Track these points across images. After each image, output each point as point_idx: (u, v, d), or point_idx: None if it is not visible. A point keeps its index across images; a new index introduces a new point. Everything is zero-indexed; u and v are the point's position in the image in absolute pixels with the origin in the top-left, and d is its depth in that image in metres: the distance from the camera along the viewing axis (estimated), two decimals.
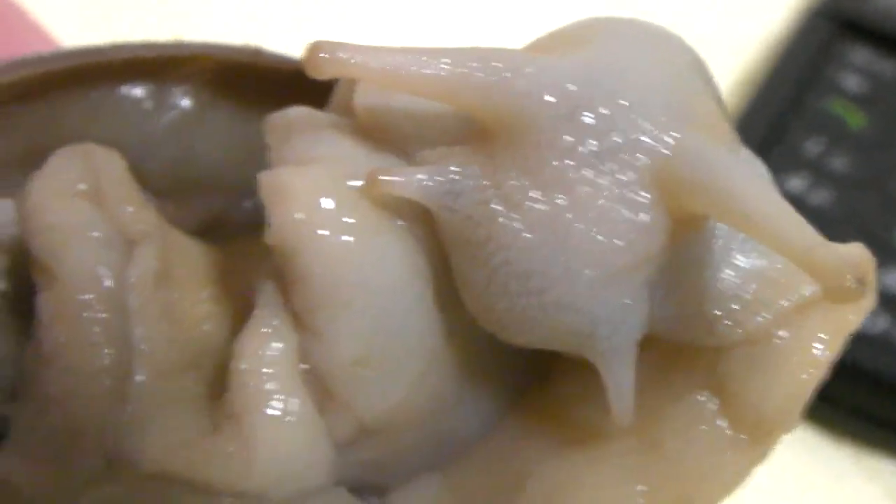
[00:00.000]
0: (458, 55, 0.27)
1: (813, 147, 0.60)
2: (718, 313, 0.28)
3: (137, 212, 0.28)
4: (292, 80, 0.32)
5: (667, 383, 0.29)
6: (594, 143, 0.26)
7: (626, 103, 0.26)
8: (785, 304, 0.28)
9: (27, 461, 0.26)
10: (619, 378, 0.27)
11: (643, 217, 0.26)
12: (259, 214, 0.30)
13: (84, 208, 0.27)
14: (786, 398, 0.27)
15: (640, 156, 0.26)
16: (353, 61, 0.26)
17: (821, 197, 0.55)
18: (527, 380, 0.31)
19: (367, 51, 0.26)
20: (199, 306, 0.29)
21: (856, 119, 0.62)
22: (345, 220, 0.26)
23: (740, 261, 0.28)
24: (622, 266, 0.26)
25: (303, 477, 0.27)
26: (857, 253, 0.24)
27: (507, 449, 0.31)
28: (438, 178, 0.27)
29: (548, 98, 0.26)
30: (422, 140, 0.28)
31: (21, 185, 0.31)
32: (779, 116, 0.61)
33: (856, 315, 0.28)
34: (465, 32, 0.67)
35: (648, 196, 0.26)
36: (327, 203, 0.26)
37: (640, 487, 0.28)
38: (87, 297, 0.26)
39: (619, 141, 0.26)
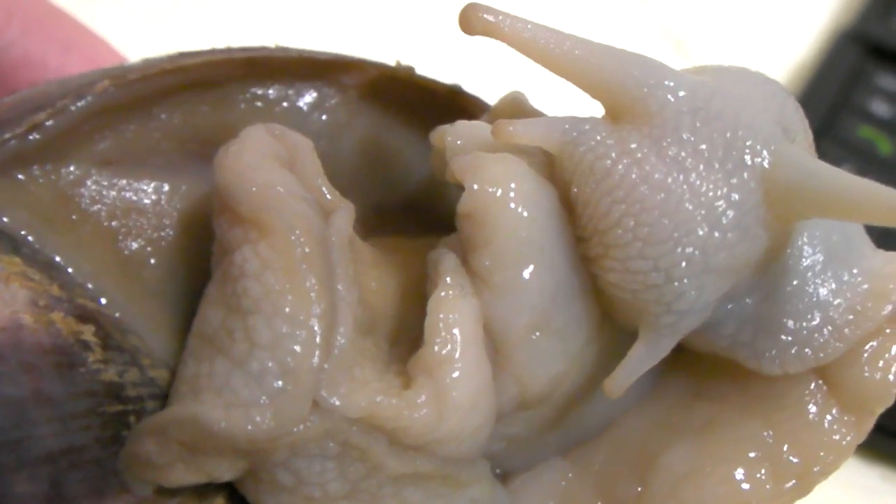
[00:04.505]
0: (602, 46, 0.30)
1: None
2: (804, 349, 0.31)
3: (329, 186, 0.30)
4: (439, 101, 0.36)
5: None
6: (707, 146, 0.29)
7: (741, 122, 0.30)
8: (868, 325, 0.31)
9: (231, 406, 0.27)
10: (649, 356, 0.30)
11: (747, 220, 0.29)
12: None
13: (288, 174, 0.29)
14: (880, 386, 0.31)
15: (749, 164, 0.29)
16: (504, 27, 0.29)
17: None
18: (648, 380, 0.34)
19: (518, 21, 0.29)
20: (373, 279, 0.31)
21: (884, 145, 0.64)
22: (527, 196, 0.29)
23: (821, 291, 0.31)
24: (721, 261, 0.29)
25: (474, 438, 0.29)
26: None
27: (633, 436, 0.33)
28: (561, 127, 0.30)
29: (681, 93, 0.29)
30: None
31: (179, 168, 0.33)
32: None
33: None
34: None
35: (754, 200, 0.29)
36: (515, 182, 0.29)
37: (764, 466, 0.31)
38: (305, 249, 0.27)
39: (733, 151, 0.29)
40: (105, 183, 0.32)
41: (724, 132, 0.29)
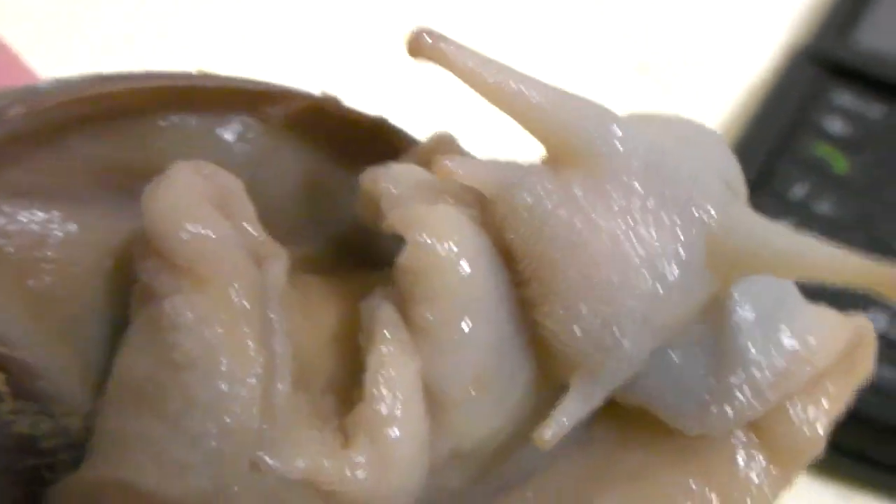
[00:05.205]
0: (551, 88, 0.29)
1: (798, 191, 0.62)
2: (725, 408, 0.31)
3: (261, 231, 0.29)
4: (364, 133, 0.35)
5: None
6: (654, 199, 0.29)
7: (688, 175, 0.29)
8: (791, 387, 0.32)
9: (165, 469, 0.26)
10: (582, 405, 0.29)
11: (691, 277, 0.29)
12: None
13: (221, 218, 0.28)
14: (808, 441, 0.32)
15: (696, 221, 0.29)
16: (451, 56, 0.29)
17: None
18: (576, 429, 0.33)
19: (468, 52, 0.29)
20: (302, 328, 0.30)
21: (840, 163, 0.64)
22: (469, 251, 0.29)
23: (747, 350, 0.31)
24: (662, 317, 0.29)
25: (410, 496, 0.28)
26: None
27: (563, 487, 0.33)
28: (500, 170, 0.29)
29: (630, 143, 0.29)
30: None
31: (95, 200, 0.31)
32: (766, 160, 0.62)
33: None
34: None
35: (699, 257, 0.29)
36: (458, 235, 0.29)
37: None
38: (244, 303, 0.26)
39: (680, 207, 0.29)
40: (14, 215, 0.30)
41: (673, 185, 0.29)
